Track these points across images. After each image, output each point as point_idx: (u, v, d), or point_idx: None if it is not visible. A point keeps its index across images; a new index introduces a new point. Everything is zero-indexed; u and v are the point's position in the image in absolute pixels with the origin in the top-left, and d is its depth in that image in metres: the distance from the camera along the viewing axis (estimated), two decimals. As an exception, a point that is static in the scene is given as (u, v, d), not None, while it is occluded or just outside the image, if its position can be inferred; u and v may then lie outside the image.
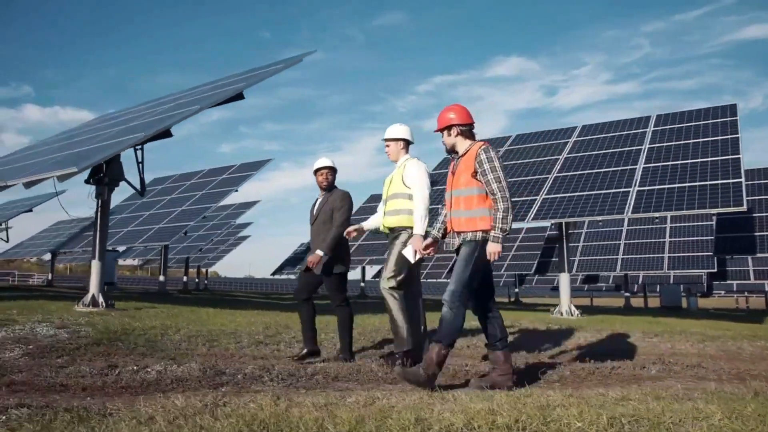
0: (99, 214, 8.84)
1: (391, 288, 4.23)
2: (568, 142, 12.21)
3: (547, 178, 10.97)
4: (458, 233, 3.65)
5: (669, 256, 19.30)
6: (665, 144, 10.58)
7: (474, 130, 3.82)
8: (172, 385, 3.28)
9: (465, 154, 3.69)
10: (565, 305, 10.71)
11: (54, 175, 6.49)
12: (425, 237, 4.08)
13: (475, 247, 3.52)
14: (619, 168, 10.27)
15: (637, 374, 4.21)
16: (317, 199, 4.87)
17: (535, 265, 25.48)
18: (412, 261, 4.12)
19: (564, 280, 10.95)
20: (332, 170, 4.82)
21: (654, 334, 6.97)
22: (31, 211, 23.09)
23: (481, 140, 3.75)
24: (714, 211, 8.46)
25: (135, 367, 3.64)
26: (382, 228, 4.56)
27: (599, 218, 9.29)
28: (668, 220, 20.64)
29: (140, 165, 9.71)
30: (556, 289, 40.96)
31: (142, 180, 10.09)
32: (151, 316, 7.25)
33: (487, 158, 3.54)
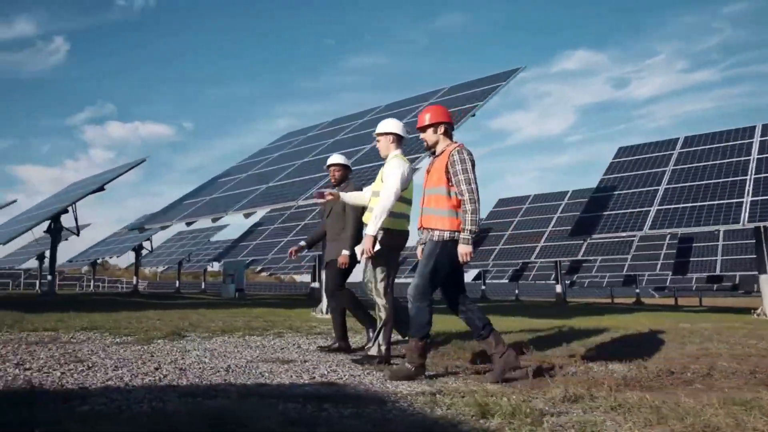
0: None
1: (385, 295, 4.33)
2: (752, 142, 12.17)
3: (745, 180, 11.00)
4: (428, 230, 3.68)
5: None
6: None
7: (453, 132, 3.87)
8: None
9: (441, 153, 3.71)
10: (768, 306, 10.74)
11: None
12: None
13: (436, 245, 3.58)
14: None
15: None
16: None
17: (659, 265, 24.97)
18: (359, 259, 4.19)
19: (765, 282, 10.95)
20: (343, 167, 4.99)
21: None
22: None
23: (457, 142, 3.78)
24: None
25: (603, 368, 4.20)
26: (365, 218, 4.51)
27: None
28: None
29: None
30: (660, 289, 39.84)
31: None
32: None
33: (459, 159, 3.57)
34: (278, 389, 3.11)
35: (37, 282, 29.42)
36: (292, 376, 3.59)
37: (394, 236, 4.27)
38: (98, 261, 35.03)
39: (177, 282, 30.74)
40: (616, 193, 12.65)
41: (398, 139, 4.38)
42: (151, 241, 24.96)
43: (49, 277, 17.84)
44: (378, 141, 4.44)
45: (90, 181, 18.80)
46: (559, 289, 19.32)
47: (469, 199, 3.52)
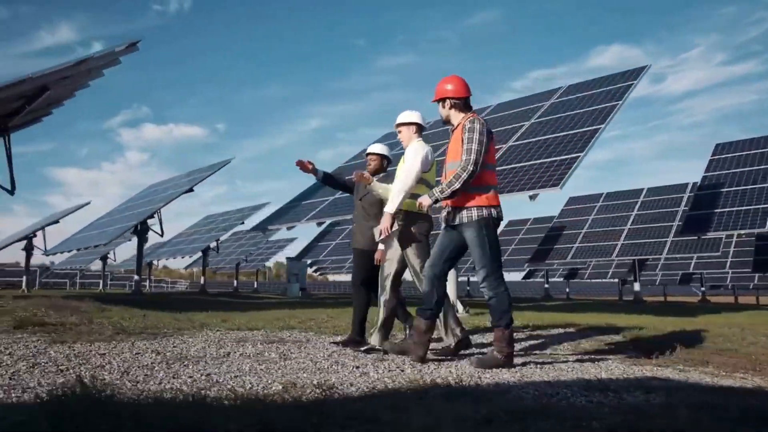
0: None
1: (387, 282, 4.21)
2: None
3: None
4: (453, 208, 3.63)
5: None
6: None
7: (470, 103, 3.77)
8: None
9: (457, 126, 3.67)
10: None
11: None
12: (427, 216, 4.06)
13: (478, 228, 3.50)
14: None
15: None
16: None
17: (728, 263, 24.58)
18: (377, 239, 4.07)
19: None
20: (380, 157, 4.92)
21: None
22: (243, 222, 25.22)
23: (472, 112, 3.71)
24: None
25: None
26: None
27: None
28: None
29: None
30: (715, 287, 39.19)
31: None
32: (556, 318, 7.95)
33: (469, 128, 3.51)
34: (639, 383, 3.16)
35: (100, 282, 30.06)
36: (584, 371, 3.63)
37: (414, 219, 4.19)
38: (154, 262, 35.75)
39: (235, 282, 31.13)
40: (724, 190, 12.55)
41: (419, 129, 4.42)
42: (218, 243, 25.35)
43: (136, 278, 18.31)
44: (399, 132, 4.45)
45: (174, 182, 19.17)
46: (637, 287, 19.20)
47: (464, 165, 3.45)
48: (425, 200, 3.63)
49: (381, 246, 4.43)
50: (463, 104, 3.72)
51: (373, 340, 4.31)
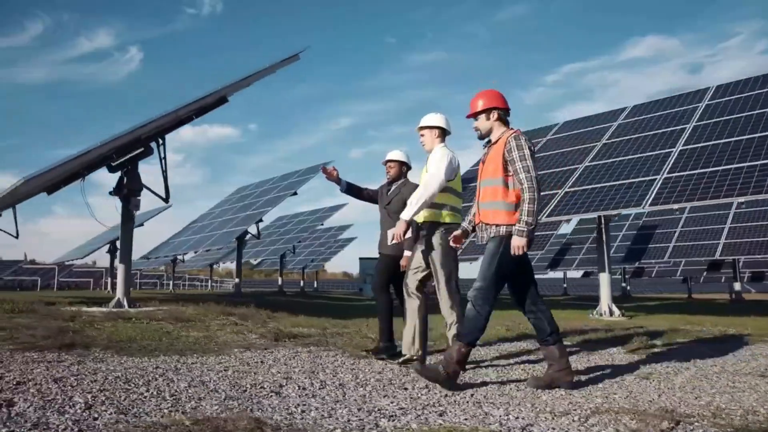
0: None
1: (416, 289, 4.15)
2: None
3: None
4: (486, 225, 3.47)
5: None
6: None
7: (508, 118, 3.59)
8: None
9: (496, 141, 3.48)
10: None
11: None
12: (457, 229, 3.82)
13: (499, 243, 3.34)
14: None
15: None
16: (391, 185, 4.87)
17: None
18: (389, 243, 3.97)
19: None
20: (399, 164, 4.80)
21: None
22: (322, 224, 25.47)
23: (514, 128, 3.53)
24: None
25: None
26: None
27: None
28: None
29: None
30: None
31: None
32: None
33: (517, 146, 3.34)
34: None
35: (171, 282, 30.68)
36: None
37: (434, 229, 4.10)
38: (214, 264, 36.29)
39: (301, 282, 31.51)
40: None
41: (443, 133, 4.27)
42: (294, 246, 25.64)
43: (236, 280, 18.71)
44: (422, 135, 4.28)
45: (267, 186, 19.33)
46: (738, 286, 18.93)
47: (528, 188, 3.28)
48: (519, 243, 3.28)
49: (406, 252, 4.39)
50: (506, 118, 3.59)
51: (408, 350, 4.24)
